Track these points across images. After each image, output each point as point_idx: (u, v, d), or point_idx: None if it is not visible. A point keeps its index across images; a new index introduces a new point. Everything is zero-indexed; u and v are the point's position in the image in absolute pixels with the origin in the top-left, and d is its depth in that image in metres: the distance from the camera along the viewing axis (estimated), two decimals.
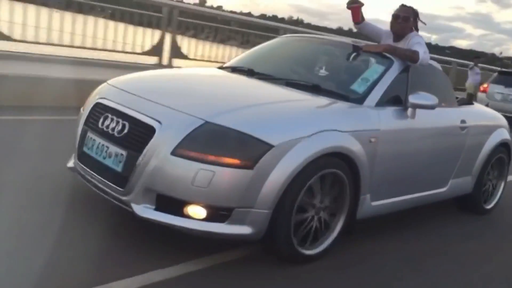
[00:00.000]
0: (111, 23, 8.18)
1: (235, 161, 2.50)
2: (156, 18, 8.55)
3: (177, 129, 2.59)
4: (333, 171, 2.85)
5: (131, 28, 8.42)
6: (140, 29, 8.54)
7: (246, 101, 2.94)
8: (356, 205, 3.08)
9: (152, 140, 2.59)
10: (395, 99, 3.39)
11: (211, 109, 2.74)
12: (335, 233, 2.99)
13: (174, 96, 2.99)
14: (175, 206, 2.55)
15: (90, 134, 2.94)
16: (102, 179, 2.77)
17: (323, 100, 3.14)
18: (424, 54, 3.52)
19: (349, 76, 3.52)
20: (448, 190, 4.02)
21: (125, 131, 2.73)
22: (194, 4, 14.73)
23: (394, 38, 3.81)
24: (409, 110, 3.38)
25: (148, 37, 8.50)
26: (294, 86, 3.33)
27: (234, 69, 3.81)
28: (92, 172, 2.85)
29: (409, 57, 3.50)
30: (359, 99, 3.21)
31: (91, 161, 2.88)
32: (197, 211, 2.54)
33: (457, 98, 4.52)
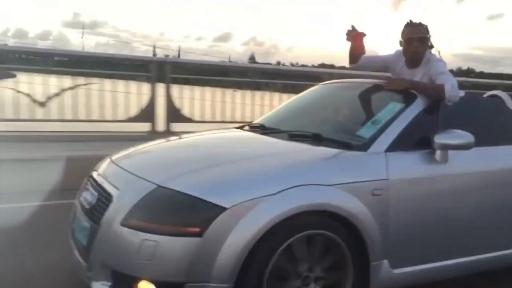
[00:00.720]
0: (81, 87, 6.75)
1: (180, 229, 2.20)
2: (144, 77, 7.08)
3: (131, 196, 2.39)
4: (321, 233, 2.38)
5: (111, 87, 7.13)
6: (122, 88, 7.10)
7: (214, 161, 2.65)
8: (367, 274, 2.52)
9: (110, 208, 2.42)
10: (422, 141, 2.80)
11: (170, 172, 2.50)
12: None
13: (150, 163, 2.82)
14: (128, 283, 2.29)
15: (76, 209, 2.88)
16: (77, 255, 2.65)
17: (314, 151, 2.72)
18: (451, 89, 2.89)
19: (362, 120, 3.03)
20: None
21: (94, 202, 2.61)
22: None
23: (409, 63, 3.23)
24: (438, 153, 2.76)
25: (135, 98, 6.95)
26: (297, 137, 2.95)
27: (251, 127, 3.56)
28: (74, 249, 2.75)
29: (434, 96, 2.93)
30: (363, 146, 2.71)
31: (74, 237, 2.79)
32: None
33: None
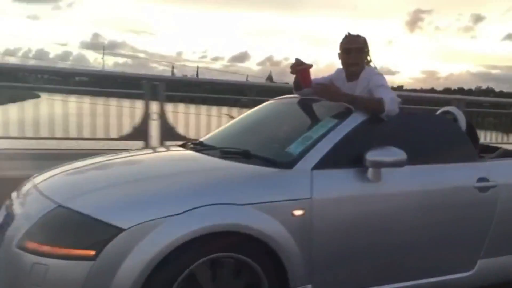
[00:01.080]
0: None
1: (72, 251, 2.05)
2: None
3: (32, 215, 2.25)
4: (232, 256, 2.22)
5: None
6: None
7: (126, 179, 2.50)
8: None
9: (10, 228, 2.27)
10: (355, 159, 2.65)
11: (75, 190, 2.35)
12: None
13: (63, 183, 2.65)
14: None
15: None
16: None
17: (236, 168, 2.57)
18: (391, 102, 2.77)
19: (294, 136, 2.87)
20: (478, 274, 2.97)
21: (1, 221, 2.46)
22: None
23: (348, 77, 3.10)
24: (370, 171, 2.61)
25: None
26: (227, 155, 2.80)
27: (194, 145, 3.41)
28: None
29: (372, 109, 2.80)
30: (289, 163, 2.56)
31: None
32: None
33: (488, 147, 3.54)
